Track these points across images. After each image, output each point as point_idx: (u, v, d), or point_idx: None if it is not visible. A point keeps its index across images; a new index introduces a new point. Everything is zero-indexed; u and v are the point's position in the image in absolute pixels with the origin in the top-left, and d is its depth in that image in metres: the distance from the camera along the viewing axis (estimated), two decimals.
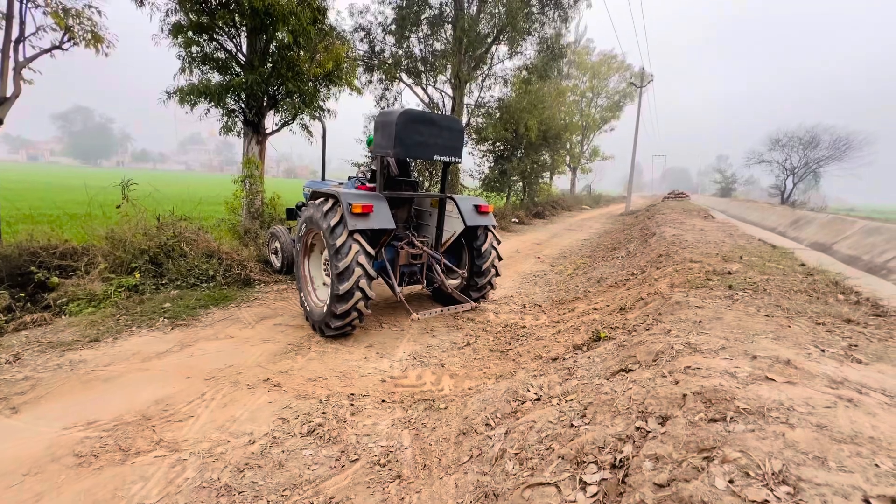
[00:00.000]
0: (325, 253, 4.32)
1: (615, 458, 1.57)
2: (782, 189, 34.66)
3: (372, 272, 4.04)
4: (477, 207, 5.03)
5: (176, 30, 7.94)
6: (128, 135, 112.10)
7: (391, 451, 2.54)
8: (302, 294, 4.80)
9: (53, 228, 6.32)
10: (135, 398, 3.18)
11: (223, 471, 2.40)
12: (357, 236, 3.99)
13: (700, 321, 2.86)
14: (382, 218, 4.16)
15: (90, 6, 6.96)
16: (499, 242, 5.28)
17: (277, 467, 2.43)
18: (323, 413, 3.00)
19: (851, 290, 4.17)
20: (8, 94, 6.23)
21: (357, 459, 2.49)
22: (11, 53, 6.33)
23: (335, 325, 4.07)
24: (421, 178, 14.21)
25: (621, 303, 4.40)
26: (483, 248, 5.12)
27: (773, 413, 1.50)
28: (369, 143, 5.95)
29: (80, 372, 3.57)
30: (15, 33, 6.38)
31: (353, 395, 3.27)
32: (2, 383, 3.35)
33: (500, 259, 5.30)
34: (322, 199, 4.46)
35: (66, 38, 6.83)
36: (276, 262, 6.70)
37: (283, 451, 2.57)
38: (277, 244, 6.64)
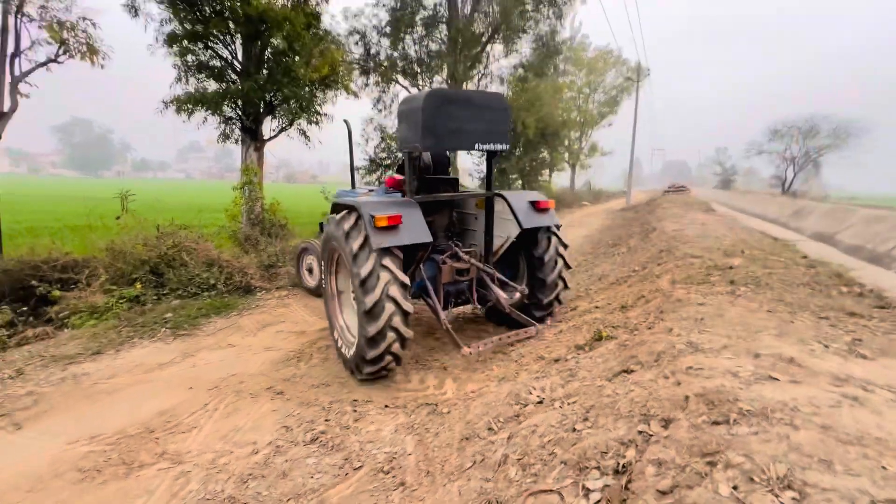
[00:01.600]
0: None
1: (618, 464, 1.55)
2: (783, 179, 34.55)
3: (407, 306, 3.28)
4: (534, 204, 4.11)
5: (171, 39, 7.96)
6: (128, 144, 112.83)
7: (394, 458, 2.53)
8: (334, 329, 3.98)
9: (54, 241, 6.34)
10: (138, 410, 3.18)
11: (227, 482, 2.40)
12: (387, 261, 3.23)
13: (702, 319, 2.84)
14: (415, 229, 3.39)
15: (84, 18, 6.99)
16: (566, 247, 4.32)
17: (281, 477, 2.43)
18: (326, 420, 3.00)
19: (854, 281, 4.14)
20: (5, 110, 6.26)
21: (360, 467, 2.49)
22: (7, 68, 6.36)
23: (367, 371, 3.42)
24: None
25: (623, 301, 4.38)
26: (546, 257, 4.16)
27: (777, 414, 1.48)
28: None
29: (83, 385, 3.58)
30: (10, 48, 6.41)
31: (355, 400, 3.26)
32: (5, 399, 3.35)
33: (568, 267, 4.32)
34: (342, 212, 3.67)
35: (61, 52, 6.85)
36: (311, 282, 5.94)
37: (287, 461, 2.57)
38: (313, 260, 5.79)
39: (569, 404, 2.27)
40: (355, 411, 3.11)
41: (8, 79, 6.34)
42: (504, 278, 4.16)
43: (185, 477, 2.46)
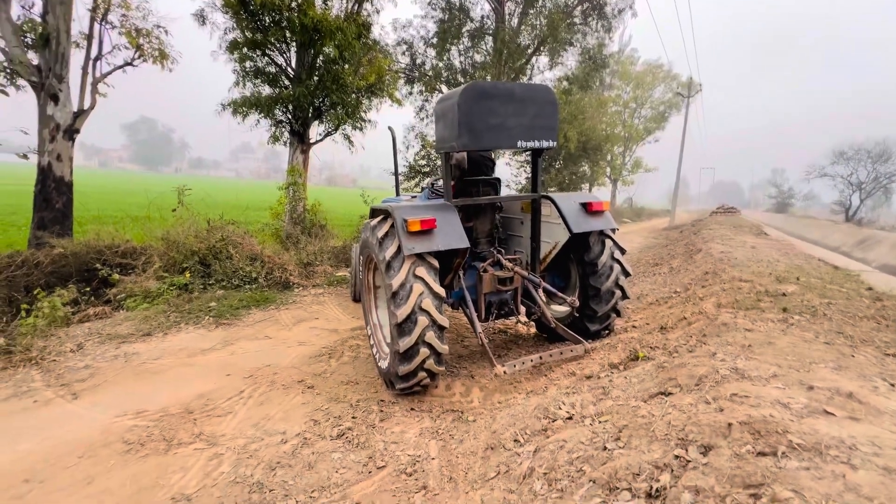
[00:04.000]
0: None
1: (651, 487, 1.48)
2: (847, 206, 32.13)
3: (442, 320, 3.04)
4: (586, 206, 3.74)
5: (232, 46, 8.49)
6: (186, 143, 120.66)
7: (418, 461, 2.53)
8: (372, 345, 3.80)
9: (117, 229, 6.86)
10: (180, 391, 3.36)
11: (256, 468, 2.48)
12: (421, 270, 3.01)
13: (749, 345, 2.67)
14: (451, 234, 3.14)
15: (158, 26, 7.58)
16: (623, 252, 3.93)
17: (307, 468, 2.48)
18: (353, 417, 3.04)
19: None
20: (86, 107, 6.86)
21: (384, 466, 2.50)
22: (90, 70, 6.99)
23: (400, 386, 3.23)
24: None
25: (662, 321, 4.19)
26: (600, 263, 3.78)
27: (832, 451, 1.37)
28: None
29: (133, 364, 3.83)
30: (94, 52, 7.05)
31: (382, 401, 3.29)
32: (66, 370, 3.64)
33: (627, 275, 3.92)
34: (377, 218, 3.50)
35: (136, 56, 7.46)
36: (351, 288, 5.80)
37: (314, 453, 2.62)
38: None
39: (600, 422, 2.19)
40: (381, 411, 3.14)
41: (90, 79, 6.97)
42: (552, 288, 3.70)
43: (219, 459, 2.57)
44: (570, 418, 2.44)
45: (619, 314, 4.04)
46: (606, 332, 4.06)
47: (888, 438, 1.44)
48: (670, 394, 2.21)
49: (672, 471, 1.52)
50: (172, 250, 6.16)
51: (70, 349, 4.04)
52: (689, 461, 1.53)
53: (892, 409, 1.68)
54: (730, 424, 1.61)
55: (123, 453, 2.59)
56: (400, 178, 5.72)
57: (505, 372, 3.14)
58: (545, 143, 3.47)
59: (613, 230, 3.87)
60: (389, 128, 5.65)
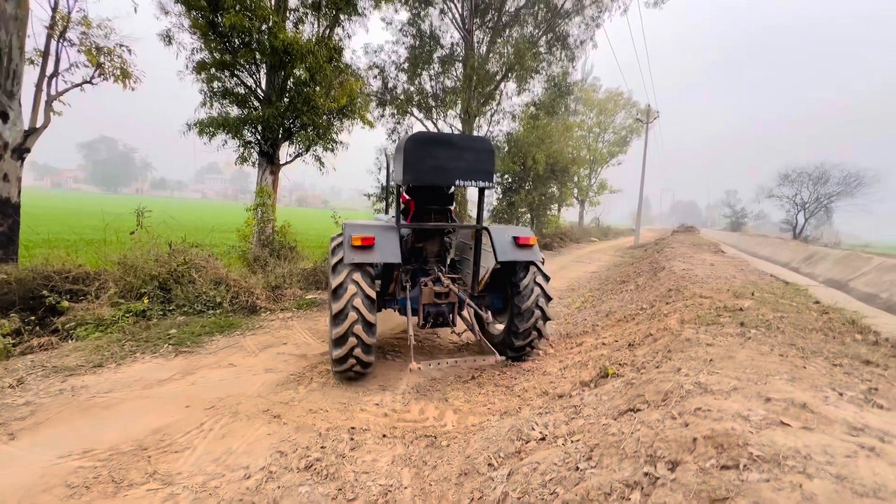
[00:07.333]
0: None
1: None
2: (794, 224, 34.38)
3: (370, 317, 3.70)
4: (515, 240, 4.35)
5: (200, 67, 8.36)
6: (149, 163, 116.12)
7: (390, 491, 2.45)
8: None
9: (69, 253, 6.46)
10: (133, 427, 3.13)
11: None
12: (357, 276, 3.72)
13: (711, 360, 2.77)
14: (386, 251, 3.88)
15: (121, 45, 7.40)
16: (547, 279, 4.48)
17: None
18: (322, 447, 2.92)
19: (869, 329, 4.03)
20: (38, 125, 6.54)
21: (354, 499, 2.40)
22: (45, 87, 6.70)
23: (336, 370, 3.91)
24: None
25: (630, 338, 4.30)
26: (522, 284, 4.36)
27: (790, 462, 1.42)
28: None
29: (80, 398, 3.55)
30: (49, 69, 6.78)
31: (353, 428, 3.19)
32: (2, 408, 3.33)
33: (548, 299, 4.45)
34: (341, 232, 4.21)
35: (96, 74, 7.22)
36: None
37: (279, 488, 2.49)
38: None
39: (572, 442, 2.19)
40: (352, 439, 3.03)
41: (44, 97, 6.68)
42: (473, 305, 4.38)
43: (174, 500, 2.39)
44: (543, 439, 2.44)
45: (540, 334, 4.52)
46: (530, 348, 4.58)
47: (839, 447, 1.52)
48: (639, 410, 2.26)
49: (642, 489, 1.54)
50: (130, 275, 5.84)
51: (9, 384, 3.71)
52: (658, 478, 1.55)
53: (842, 417, 1.77)
54: (695, 439, 1.66)
55: (65, 499, 2.37)
56: (373, 198, 6.23)
57: (420, 368, 3.64)
58: (481, 184, 4.15)
59: (541, 261, 4.47)
60: (385, 152, 6.13)
